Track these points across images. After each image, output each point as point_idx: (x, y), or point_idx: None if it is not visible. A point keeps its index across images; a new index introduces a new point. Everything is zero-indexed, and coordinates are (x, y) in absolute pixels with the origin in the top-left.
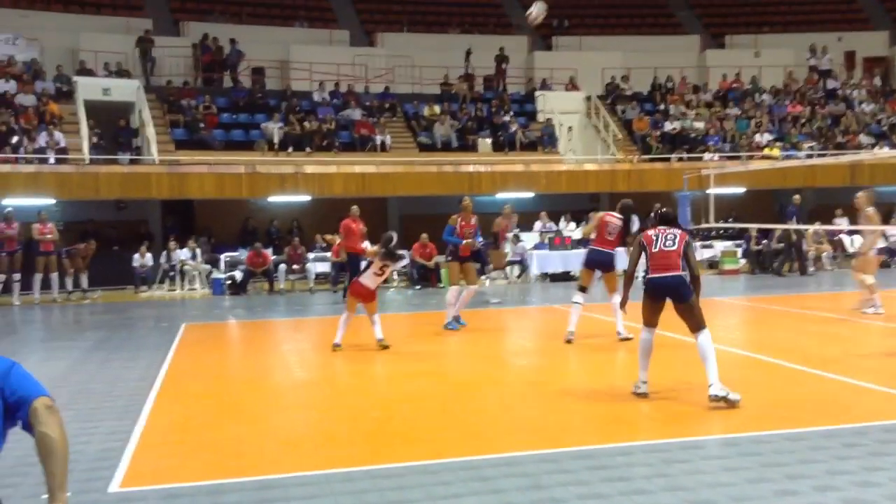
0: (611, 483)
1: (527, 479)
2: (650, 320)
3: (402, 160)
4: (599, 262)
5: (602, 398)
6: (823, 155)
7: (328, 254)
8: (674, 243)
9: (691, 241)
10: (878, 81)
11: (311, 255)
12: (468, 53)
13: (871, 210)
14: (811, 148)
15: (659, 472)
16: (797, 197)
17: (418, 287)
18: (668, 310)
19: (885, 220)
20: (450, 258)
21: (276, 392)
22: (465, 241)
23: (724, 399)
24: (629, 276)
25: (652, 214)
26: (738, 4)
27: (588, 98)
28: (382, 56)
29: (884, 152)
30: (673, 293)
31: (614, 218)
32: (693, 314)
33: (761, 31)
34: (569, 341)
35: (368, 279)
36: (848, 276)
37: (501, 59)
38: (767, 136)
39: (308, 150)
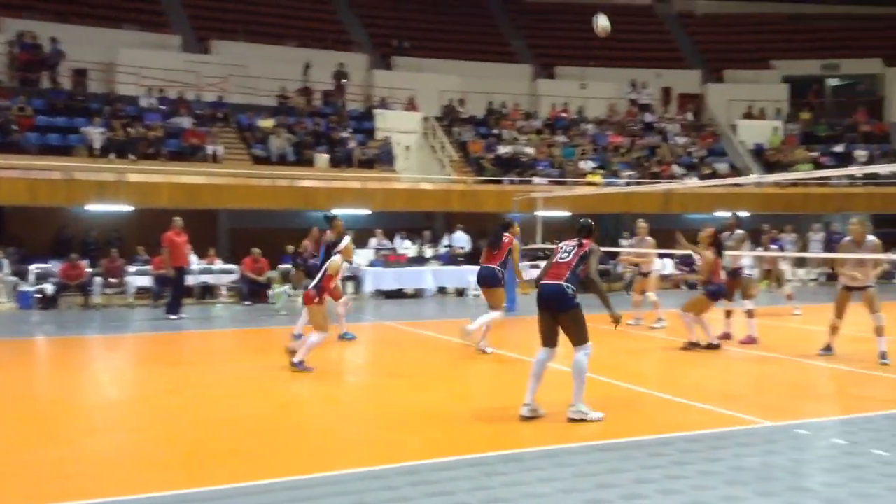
0: (434, 498)
1: (351, 498)
2: (542, 337)
3: (234, 172)
4: (478, 277)
5: (430, 414)
6: (640, 183)
7: (150, 267)
8: (569, 255)
9: (593, 251)
10: (690, 116)
11: (131, 269)
12: (307, 67)
13: (650, 239)
14: (629, 176)
15: (481, 485)
16: (641, 220)
17: (248, 303)
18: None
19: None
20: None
21: (86, 413)
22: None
23: (583, 421)
24: (536, 283)
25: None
26: (566, 38)
27: (426, 119)
28: (216, 64)
29: (693, 182)
30: (551, 302)
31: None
32: (573, 327)
33: (587, 65)
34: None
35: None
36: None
37: (340, 75)
38: (591, 164)
39: (132, 157)
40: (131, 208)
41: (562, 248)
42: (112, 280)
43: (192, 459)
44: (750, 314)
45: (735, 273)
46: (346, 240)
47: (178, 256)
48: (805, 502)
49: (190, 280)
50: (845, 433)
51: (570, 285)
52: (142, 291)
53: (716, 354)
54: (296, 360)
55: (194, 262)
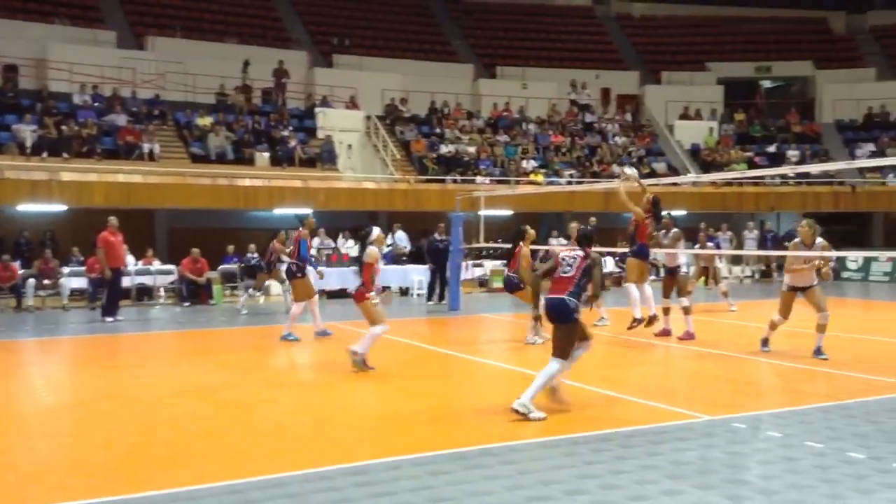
0: (378, 498)
1: (295, 500)
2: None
3: (172, 170)
4: (504, 284)
5: (374, 414)
6: (581, 182)
7: (84, 268)
8: (571, 268)
9: (596, 262)
10: (629, 117)
11: (65, 270)
12: (246, 64)
13: None
14: (571, 175)
15: (425, 484)
16: (593, 219)
17: (187, 304)
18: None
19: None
20: (299, 275)
21: (20, 419)
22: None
23: (524, 416)
24: (534, 292)
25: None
26: (508, 38)
27: (368, 117)
28: (152, 61)
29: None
30: (553, 315)
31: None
32: (561, 339)
33: (528, 65)
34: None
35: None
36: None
37: (281, 72)
38: (533, 163)
39: (65, 155)
40: (65, 208)
41: (563, 260)
42: (45, 282)
43: (130, 464)
44: (686, 311)
45: (672, 271)
46: (377, 230)
47: (113, 257)
48: (742, 494)
49: (126, 281)
50: (780, 426)
51: (572, 299)
52: (76, 293)
53: (655, 350)
54: (355, 349)
55: (131, 262)
